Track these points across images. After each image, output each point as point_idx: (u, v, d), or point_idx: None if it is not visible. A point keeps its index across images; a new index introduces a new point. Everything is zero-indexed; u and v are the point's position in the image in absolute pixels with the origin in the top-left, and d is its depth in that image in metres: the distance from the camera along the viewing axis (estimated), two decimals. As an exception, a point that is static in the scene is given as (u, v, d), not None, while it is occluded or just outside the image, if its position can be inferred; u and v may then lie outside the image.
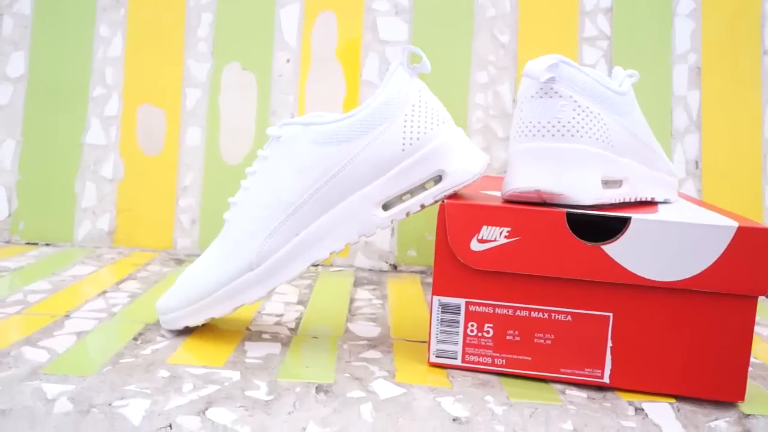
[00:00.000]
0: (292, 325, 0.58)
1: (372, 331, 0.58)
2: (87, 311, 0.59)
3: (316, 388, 0.46)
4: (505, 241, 0.48)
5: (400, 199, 0.51)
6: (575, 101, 0.49)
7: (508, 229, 0.48)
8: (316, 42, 0.84)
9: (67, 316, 0.57)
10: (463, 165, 0.50)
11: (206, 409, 0.43)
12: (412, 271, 0.82)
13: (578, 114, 0.49)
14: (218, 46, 0.84)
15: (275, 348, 0.53)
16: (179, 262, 0.79)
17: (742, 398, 0.47)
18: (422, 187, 0.50)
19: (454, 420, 0.44)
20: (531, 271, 0.48)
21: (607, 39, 0.83)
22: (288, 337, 0.55)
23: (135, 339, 0.53)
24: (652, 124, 0.77)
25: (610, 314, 0.48)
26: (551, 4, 0.84)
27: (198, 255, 0.82)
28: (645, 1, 0.84)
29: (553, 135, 0.49)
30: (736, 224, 0.46)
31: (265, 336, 0.55)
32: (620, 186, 0.53)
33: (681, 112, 0.83)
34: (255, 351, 0.52)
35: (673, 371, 0.47)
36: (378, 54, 0.83)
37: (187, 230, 0.83)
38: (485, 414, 0.45)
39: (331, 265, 0.82)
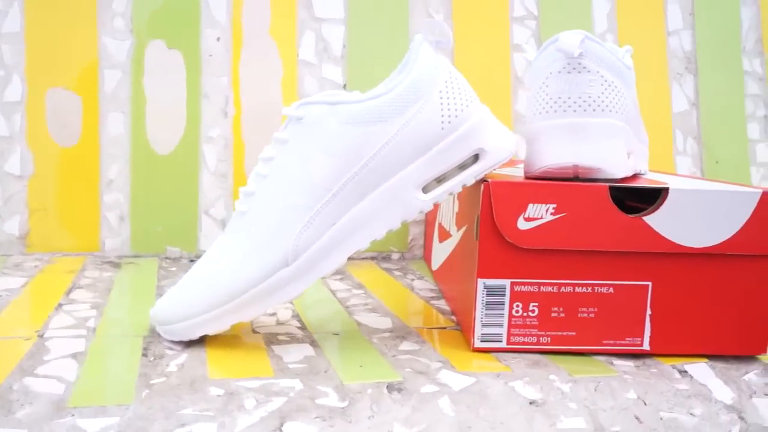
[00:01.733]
0: (297, 323, 0.54)
1: (384, 322, 0.55)
2: (60, 329, 0.50)
3: (387, 387, 0.43)
4: (551, 218, 0.48)
5: (438, 180, 0.48)
6: (602, 76, 0.50)
7: (554, 205, 0.48)
8: (248, 18, 0.78)
9: (42, 336, 0.49)
10: (500, 143, 0.49)
11: (282, 425, 0.39)
12: (364, 258, 0.79)
13: (606, 89, 0.50)
14: (138, 23, 0.75)
15: (307, 349, 0.49)
16: (115, 265, 0.70)
17: (765, 351, 0.50)
18: (460, 167, 0.49)
19: (531, 403, 0.43)
20: (577, 247, 0.48)
21: (534, 18, 0.86)
22: (308, 336, 0.51)
23: (145, 355, 0.46)
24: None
25: (649, 283, 0.49)
26: (481, -16, 0.85)
27: (132, 256, 0.74)
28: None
29: (584, 110, 0.50)
30: (760, 190, 0.49)
31: (282, 338, 0.51)
32: (629, 158, 0.54)
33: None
34: (290, 355, 0.47)
35: (705, 332, 0.50)
36: (314, 32, 0.79)
37: (116, 229, 0.74)
38: (555, 393, 0.44)
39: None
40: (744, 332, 0.50)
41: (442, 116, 0.48)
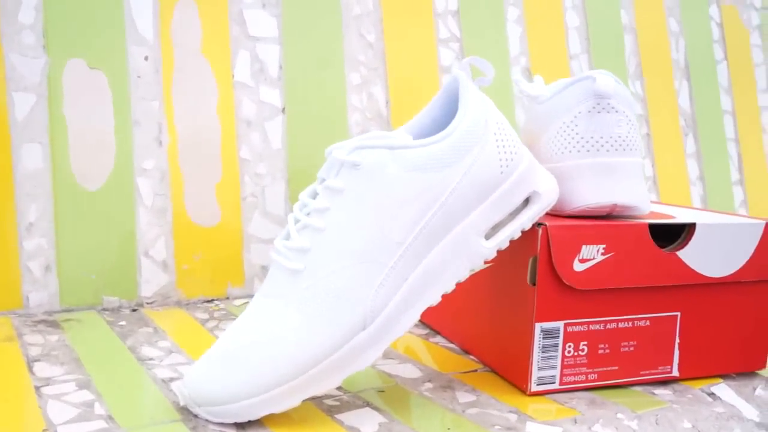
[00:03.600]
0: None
1: (410, 370, 0.53)
2: (71, 424, 0.41)
3: (493, 449, 0.41)
4: (602, 258, 0.49)
5: (496, 226, 0.47)
6: (627, 116, 0.52)
7: (604, 246, 0.49)
8: (178, 35, 0.70)
9: (59, 436, 0.40)
10: (549, 184, 0.49)
11: None
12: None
13: (630, 128, 0.52)
14: (52, 38, 0.64)
15: (372, 415, 0.45)
16: (52, 324, 0.59)
17: (765, 366, 0.55)
18: (513, 212, 0.47)
19: (616, 446, 0.44)
20: (623, 284, 0.49)
21: (458, 41, 0.86)
22: (356, 397, 0.47)
23: (205, 445, 0.40)
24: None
25: (678, 313, 0.52)
26: (409, 3, 0.83)
27: (63, 311, 0.63)
28: (485, 5, 0.88)
29: (616, 150, 0.51)
30: (763, 221, 0.53)
31: (330, 402, 0.46)
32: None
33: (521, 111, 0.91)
34: (355, 420, 0.43)
35: (719, 354, 0.54)
36: (249, 51, 0.73)
37: (41, 281, 0.63)
38: (627, 431, 0.45)
39: (227, 298, 0.71)
40: (748, 350, 0.55)
41: (500, 160, 0.46)
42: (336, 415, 0.44)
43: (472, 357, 0.56)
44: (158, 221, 0.68)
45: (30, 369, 0.50)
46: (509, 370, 0.51)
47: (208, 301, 0.69)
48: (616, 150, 0.51)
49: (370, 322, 0.42)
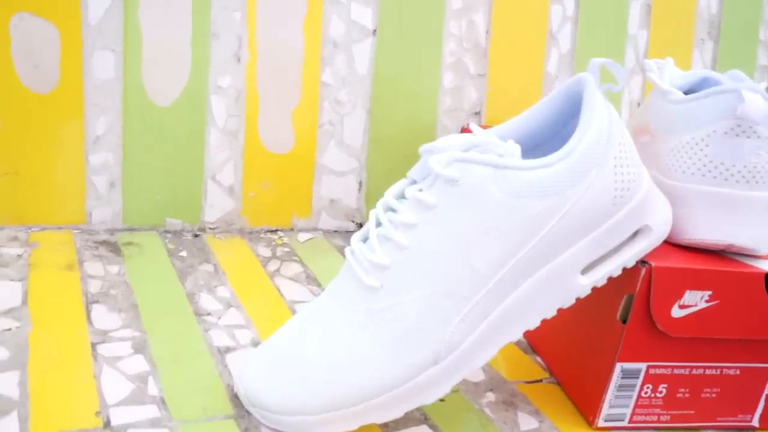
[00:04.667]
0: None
1: (476, 372, 0.50)
2: (124, 407, 0.40)
3: None
4: (704, 305, 0.44)
5: (596, 260, 0.42)
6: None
7: (710, 293, 0.44)
8: (269, -62, 0.63)
9: (110, 427, 0.39)
10: (663, 215, 0.43)
11: None
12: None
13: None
14: (133, -68, 0.58)
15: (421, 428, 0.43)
16: (112, 248, 0.58)
17: None
18: (621, 245, 0.42)
19: None
20: (724, 335, 0.45)
21: (578, -34, 0.76)
22: (417, 411, 0.45)
23: (255, 458, 0.38)
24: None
25: (774, 365, 0.48)
26: None
27: (125, 230, 0.62)
28: None
29: (747, 181, 0.44)
30: None
31: (384, 407, 0.44)
32: None
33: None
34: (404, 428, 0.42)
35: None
36: (345, -38, 0.65)
37: (105, 197, 0.61)
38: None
39: (292, 229, 0.68)
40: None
41: (615, 188, 0.41)
42: (390, 430, 0.43)
43: (538, 359, 0.53)
44: (229, 144, 0.64)
45: (88, 315, 0.49)
46: (579, 396, 0.48)
47: (272, 231, 0.67)
48: (747, 182, 0.44)
49: (443, 358, 0.39)
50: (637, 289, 0.43)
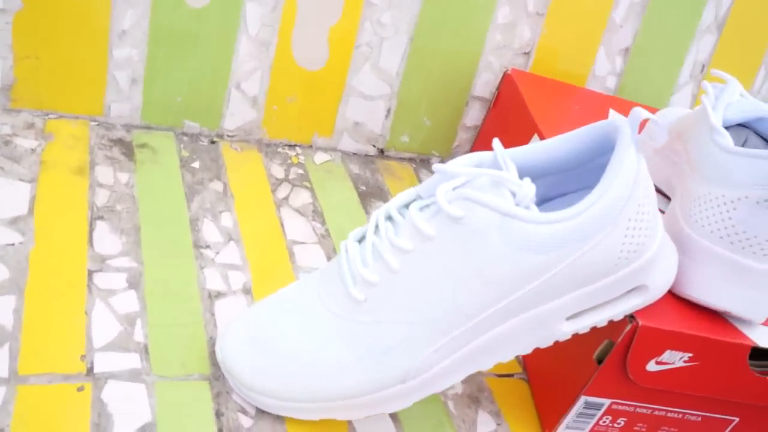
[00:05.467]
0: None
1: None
2: (109, 352, 0.43)
3: None
4: (682, 364, 0.44)
5: (585, 310, 0.42)
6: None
7: (690, 354, 0.44)
8: None
9: (92, 374, 0.41)
10: (665, 277, 0.42)
11: None
12: (402, 158, 0.70)
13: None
14: None
15: (388, 426, 0.45)
16: (126, 147, 0.58)
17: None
18: (613, 299, 0.42)
19: None
20: (695, 392, 0.45)
21: None
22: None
23: (221, 429, 0.41)
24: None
25: (737, 418, 0.48)
26: None
27: (142, 127, 0.61)
28: None
29: (765, 254, 0.43)
30: None
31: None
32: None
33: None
34: (368, 429, 0.44)
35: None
36: None
37: (125, 93, 0.59)
38: None
39: (311, 147, 0.67)
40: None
41: (621, 250, 0.39)
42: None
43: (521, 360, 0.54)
44: (259, 54, 0.61)
45: (90, 234, 0.50)
46: (541, 405, 0.49)
47: (290, 147, 0.66)
48: (765, 255, 0.43)
49: (411, 378, 0.40)
50: (619, 340, 0.43)
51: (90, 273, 0.47)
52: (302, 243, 0.56)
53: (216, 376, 0.44)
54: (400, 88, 0.67)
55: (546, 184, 0.44)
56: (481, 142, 0.70)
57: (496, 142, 0.42)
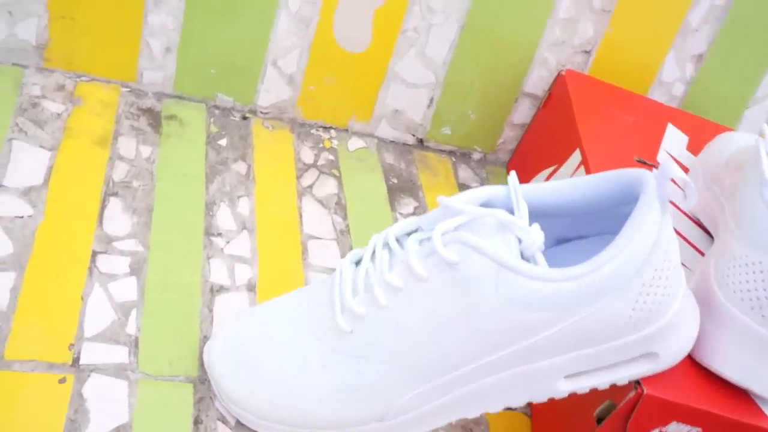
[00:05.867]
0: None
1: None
2: (96, 343, 0.42)
3: None
4: (688, 436, 0.41)
5: (588, 372, 0.39)
6: None
7: (698, 429, 0.40)
8: None
9: (77, 365, 0.41)
10: (680, 345, 0.39)
11: None
12: (441, 150, 0.67)
13: None
14: None
15: None
16: (153, 117, 0.57)
17: None
18: (618, 363, 0.39)
19: None
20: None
21: None
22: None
23: (196, 437, 0.41)
24: None
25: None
26: None
27: (174, 96, 0.60)
28: None
29: (796, 333, 0.39)
30: None
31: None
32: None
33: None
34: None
35: None
36: None
37: (158, 60, 0.58)
38: None
39: (346, 131, 0.65)
40: None
41: (631, 315, 0.36)
42: None
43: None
44: (298, 32, 0.59)
45: (101, 211, 0.49)
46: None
47: (325, 129, 0.64)
48: (797, 334, 0.39)
49: (391, 418, 0.39)
50: (620, 405, 0.40)
51: (94, 254, 0.47)
52: (318, 238, 0.55)
53: (202, 379, 0.43)
54: (446, 78, 0.63)
55: (564, 225, 0.41)
56: (527, 143, 0.66)
57: (512, 177, 0.39)
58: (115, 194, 0.51)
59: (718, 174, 0.51)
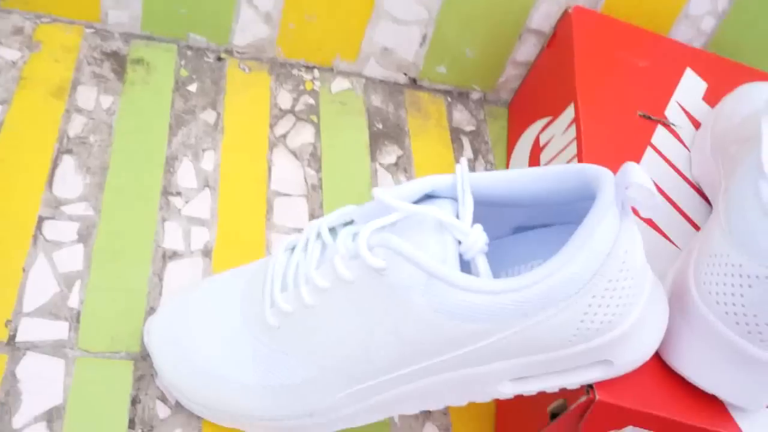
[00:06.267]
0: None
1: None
2: (36, 318, 0.41)
3: None
4: (647, 441, 0.38)
5: (536, 376, 0.35)
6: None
7: (656, 434, 0.37)
8: None
9: (13, 343, 0.40)
10: (638, 354, 0.35)
11: None
12: (436, 90, 0.62)
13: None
14: None
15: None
16: (118, 62, 0.53)
17: None
18: (570, 369, 0.35)
19: None
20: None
21: None
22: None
23: (132, 422, 0.40)
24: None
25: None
26: None
27: (142, 37, 0.56)
28: None
29: (774, 345, 0.34)
30: None
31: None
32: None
33: None
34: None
35: None
36: None
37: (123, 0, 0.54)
38: None
39: (332, 70, 0.60)
40: None
41: (579, 327, 0.32)
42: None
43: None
44: (272, -35, 0.53)
45: (52, 172, 0.47)
46: (502, 428, 0.45)
47: (309, 68, 0.59)
48: (774, 345, 0.34)
49: (321, 415, 0.37)
50: (571, 408, 0.37)
51: (40, 220, 0.45)
52: (286, 195, 0.52)
53: (144, 355, 0.42)
54: (440, 14, 0.57)
55: (524, 214, 0.37)
56: (531, 82, 0.60)
57: (460, 165, 0.34)
58: (69, 152, 0.49)
59: (725, 138, 0.46)
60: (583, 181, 0.32)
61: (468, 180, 0.34)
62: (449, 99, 0.62)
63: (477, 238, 0.32)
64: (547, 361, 0.34)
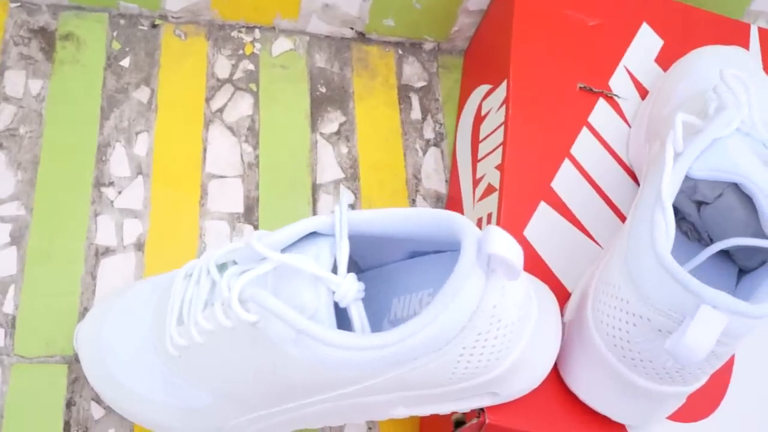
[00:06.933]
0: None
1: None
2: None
3: None
4: (545, 453, 0.39)
5: (428, 402, 0.36)
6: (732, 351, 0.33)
7: (555, 449, 0.38)
8: None
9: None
10: (522, 385, 0.35)
11: None
12: (386, 42, 0.59)
13: (716, 362, 0.33)
14: None
15: None
16: (46, 41, 0.52)
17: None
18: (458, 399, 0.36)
19: None
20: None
21: None
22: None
23: (67, 424, 0.42)
24: None
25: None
26: None
27: (72, 7, 0.54)
28: None
29: (672, 379, 0.34)
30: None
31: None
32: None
33: None
34: None
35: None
36: None
37: (44, -29, 0.51)
38: None
39: (273, 29, 0.57)
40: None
41: (454, 372, 0.33)
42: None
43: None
44: (192, -71, 0.50)
45: (-17, 170, 0.48)
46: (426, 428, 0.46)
47: (249, 29, 0.57)
48: (672, 380, 0.34)
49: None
50: (467, 426, 0.38)
51: (-27, 223, 0.46)
52: (221, 177, 0.51)
53: (78, 357, 0.44)
54: (380, -34, 0.54)
55: (414, 243, 0.36)
56: (484, 33, 0.57)
57: (340, 205, 0.34)
58: (1, 146, 0.49)
59: (659, 123, 0.43)
60: (452, 229, 0.32)
61: (346, 223, 0.33)
62: (400, 51, 0.59)
63: (349, 288, 0.32)
64: (432, 394, 0.35)
